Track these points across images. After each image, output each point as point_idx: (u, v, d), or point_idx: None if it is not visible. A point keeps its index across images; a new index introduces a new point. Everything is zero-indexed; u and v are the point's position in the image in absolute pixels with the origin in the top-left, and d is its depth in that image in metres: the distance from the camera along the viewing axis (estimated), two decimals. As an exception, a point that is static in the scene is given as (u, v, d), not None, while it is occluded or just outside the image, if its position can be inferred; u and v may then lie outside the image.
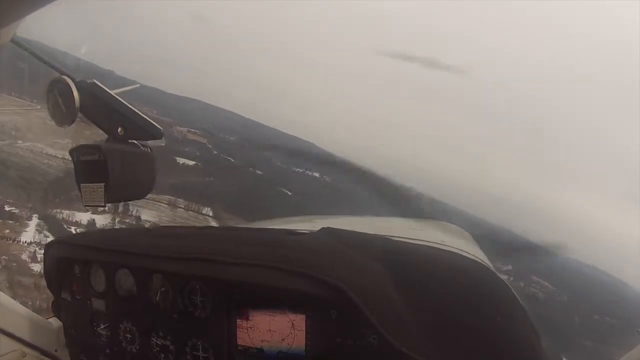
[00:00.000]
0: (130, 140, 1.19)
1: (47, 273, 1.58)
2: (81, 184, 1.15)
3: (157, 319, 1.27)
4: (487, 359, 0.99)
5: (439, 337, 0.98)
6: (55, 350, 1.63)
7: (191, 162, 21.81)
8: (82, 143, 1.16)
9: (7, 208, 13.01)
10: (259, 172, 21.91)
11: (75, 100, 1.04)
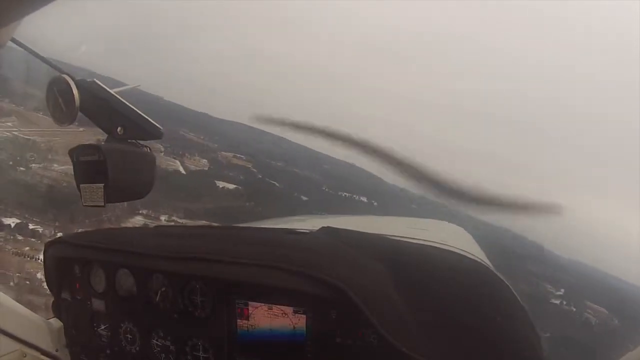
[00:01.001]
0: (129, 140, 1.19)
1: (47, 273, 1.57)
2: (81, 185, 1.15)
3: (157, 319, 1.27)
4: (487, 359, 0.99)
5: (439, 337, 0.98)
6: (56, 351, 1.63)
7: (232, 186, 21.62)
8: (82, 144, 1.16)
9: (31, 226, 12.94)
10: (303, 197, 21.63)
11: (75, 99, 1.04)
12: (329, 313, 1.04)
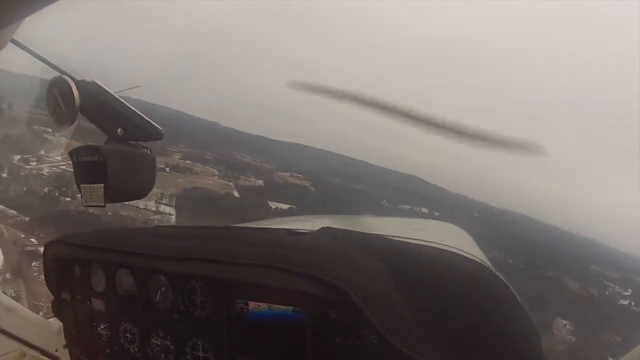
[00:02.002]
0: (130, 141, 1.19)
1: (47, 273, 1.57)
2: (81, 185, 1.15)
3: (157, 319, 1.27)
4: (487, 359, 0.99)
5: (439, 337, 0.98)
6: (56, 350, 1.63)
7: (285, 206, 21.64)
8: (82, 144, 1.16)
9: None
10: (363, 213, 21.31)
11: (76, 100, 1.04)
12: (329, 313, 1.04)
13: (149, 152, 1.24)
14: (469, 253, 1.59)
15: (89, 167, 1.14)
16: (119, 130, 1.15)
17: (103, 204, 1.13)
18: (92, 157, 1.13)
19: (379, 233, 1.58)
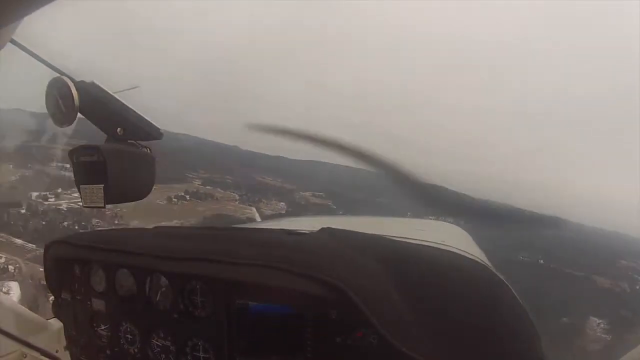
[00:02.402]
0: (129, 141, 1.19)
1: (47, 273, 1.57)
2: (80, 185, 1.15)
3: (157, 319, 1.27)
4: (487, 359, 0.99)
5: (438, 337, 0.98)
6: (56, 351, 1.63)
7: None
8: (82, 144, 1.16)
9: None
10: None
11: (75, 100, 1.04)
12: (329, 313, 1.04)
13: (148, 151, 1.23)
14: (469, 253, 1.58)
15: (88, 167, 1.13)
16: (118, 130, 1.15)
17: (103, 205, 1.13)
18: (92, 157, 1.13)
19: (379, 233, 1.58)
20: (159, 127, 1.24)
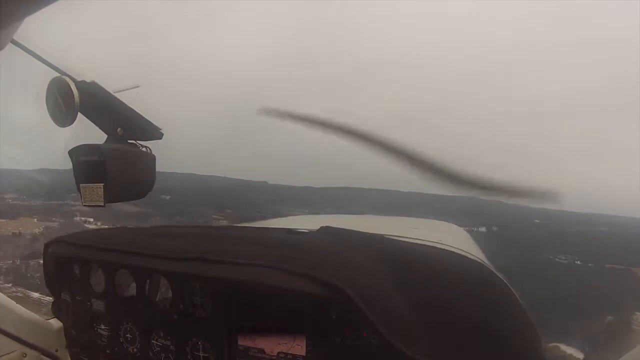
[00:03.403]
0: (130, 141, 1.19)
1: (47, 273, 1.57)
2: (80, 184, 1.15)
3: (157, 319, 1.27)
4: (487, 359, 0.99)
5: (438, 337, 0.98)
6: (56, 351, 1.63)
7: None
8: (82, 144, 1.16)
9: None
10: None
11: (75, 100, 1.04)
12: (329, 313, 1.04)
13: (149, 151, 1.24)
14: (469, 253, 1.59)
15: (88, 166, 1.13)
16: (118, 129, 1.15)
17: (103, 204, 1.13)
18: (92, 156, 1.13)
19: (379, 232, 1.58)
20: (159, 127, 1.24)
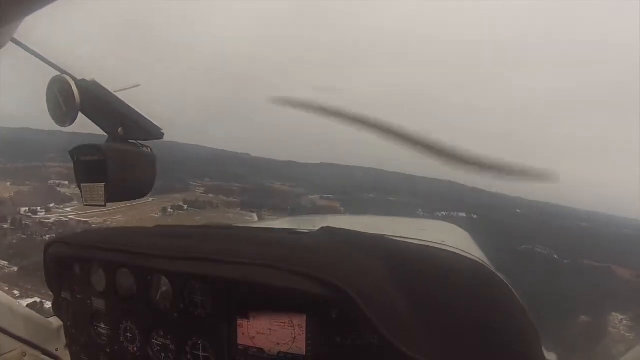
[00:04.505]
0: (130, 140, 1.19)
1: (47, 272, 1.58)
2: (81, 184, 1.15)
3: (157, 318, 1.27)
4: (487, 359, 0.99)
5: (439, 337, 0.98)
6: (56, 350, 1.63)
7: None
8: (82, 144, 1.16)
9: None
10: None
11: (76, 99, 1.04)
12: (329, 313, 1.04)
13: (149, 150, 1.24)
14: (469, 253, 1.58)
15: (89, 166, 1.14)
16: (119, 129, 1.15)
17: (104, 204, 1.13)
18: (93, 156, 1.13)
19: (379, 233, 1.58)
20: (160, 126, 1.24)
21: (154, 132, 1.22)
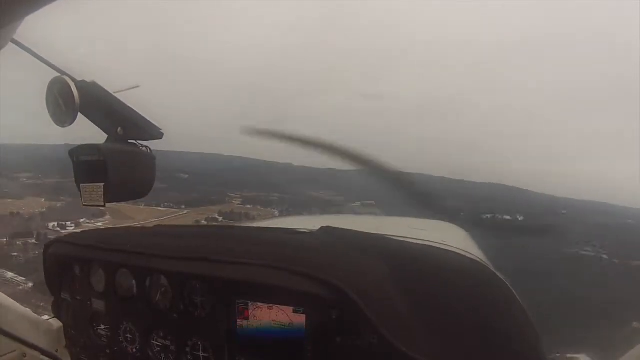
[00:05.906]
0: (130, 141, 1.19)
1: (47, 273, 1.57)
2: (81, 184, 1.15)
3: (157, 319, 1.27)
4: (486, 359, 0.99)
5: (438, 337, 0.98)
6: (56, 351, 1.63)
7: None
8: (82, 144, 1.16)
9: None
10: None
11: (76, 100, 1.04)
12: (329, 313, 1.04)
13: (149, 151, 1.24)
14: (469, 253, 1.58)
15: (88, 166, 1.13)
16: (119, 129, 1.15)
17: (103, 204, 1.13)
18: (92, 156, 1.13)
19: (379, 232, 1.58)
20: (160, 127, 1.23)
21: (154, 133, 1.22)
